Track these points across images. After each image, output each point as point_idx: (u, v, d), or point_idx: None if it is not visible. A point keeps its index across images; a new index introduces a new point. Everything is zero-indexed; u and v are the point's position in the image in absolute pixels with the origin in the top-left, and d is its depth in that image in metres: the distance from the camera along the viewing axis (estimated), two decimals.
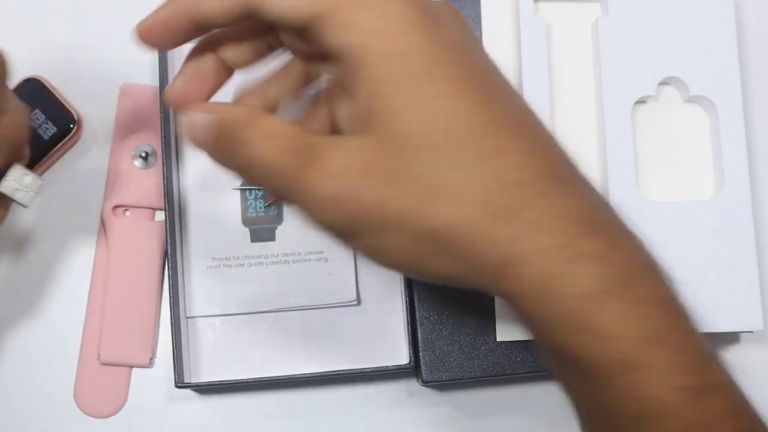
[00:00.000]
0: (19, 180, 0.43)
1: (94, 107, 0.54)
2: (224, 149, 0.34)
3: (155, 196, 0.52)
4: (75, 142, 0.54)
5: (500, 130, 0.32)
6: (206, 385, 0.50)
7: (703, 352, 0.33)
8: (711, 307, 0.50)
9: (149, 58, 0.54)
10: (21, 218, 0.53)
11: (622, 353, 0.31)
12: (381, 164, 0.32)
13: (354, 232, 0.33)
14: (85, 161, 0.54)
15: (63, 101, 0.53)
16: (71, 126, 0.53)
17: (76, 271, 0.53)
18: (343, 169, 0.32)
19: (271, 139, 0.33)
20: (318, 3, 0.33)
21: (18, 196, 0.43)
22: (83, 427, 0.52)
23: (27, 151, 0.45)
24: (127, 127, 0.54)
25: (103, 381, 0.52)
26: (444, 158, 0.31)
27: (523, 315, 0.33)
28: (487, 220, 0.31)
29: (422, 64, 0.32)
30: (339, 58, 0.33)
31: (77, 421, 0.52)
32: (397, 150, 0.32)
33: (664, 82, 0.52)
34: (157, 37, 0.36)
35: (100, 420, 0.52)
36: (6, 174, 0.42)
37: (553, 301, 0.31)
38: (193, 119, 0.34)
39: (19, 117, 0.42)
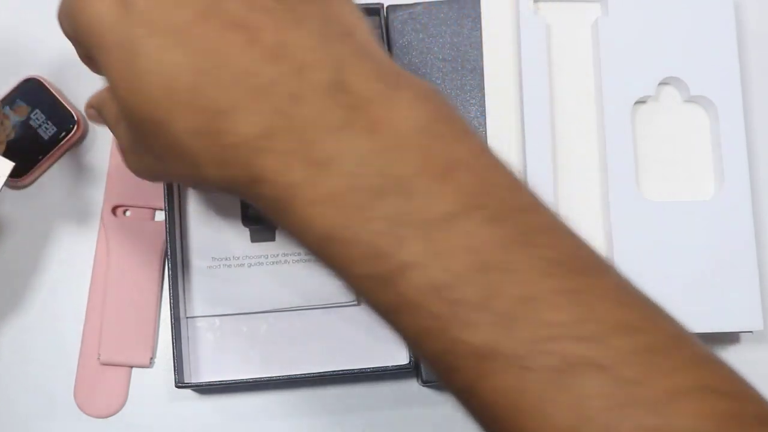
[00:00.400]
0: None
1: None
2: None
3: (155, 196, 0.52)
4: (75, 142, 0.54)
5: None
6: (206, 385, 0.50)
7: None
8: (711, 307, 0.50)
9: None
10: (21, 218, 0.53)
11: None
12: (132, 139, 0.35)
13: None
14: (85, 161, 0.54)
15: (63, 101, 0.53)
16: (71, 126, 0.53)
17: (76, 271, 0.53)
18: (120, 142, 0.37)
19: None
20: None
21: None
22: (83, 427, 0.52)
23: (3, 141, 0.45)
24: None
25: (103, 381, 0.52)
26: None
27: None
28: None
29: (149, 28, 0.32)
30: None
31: (77, 421, 0.52)
32: (136, 123, 0.33)
33: (664, 82, 0.52)
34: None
35: (100, 420, 0.52)
36: None
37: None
38: None
39: None
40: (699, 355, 0.29)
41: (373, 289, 0.30)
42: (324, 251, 0.30)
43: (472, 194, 0.29)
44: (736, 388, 0.29)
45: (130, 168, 0.38)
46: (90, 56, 0.34)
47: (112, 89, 0.33)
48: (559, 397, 0.27)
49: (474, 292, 0.28)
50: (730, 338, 0.53)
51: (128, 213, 0.53)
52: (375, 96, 0.30)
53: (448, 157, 0.29)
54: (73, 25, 0.34)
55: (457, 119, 0.31)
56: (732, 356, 0.52)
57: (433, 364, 0.30)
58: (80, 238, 0.53)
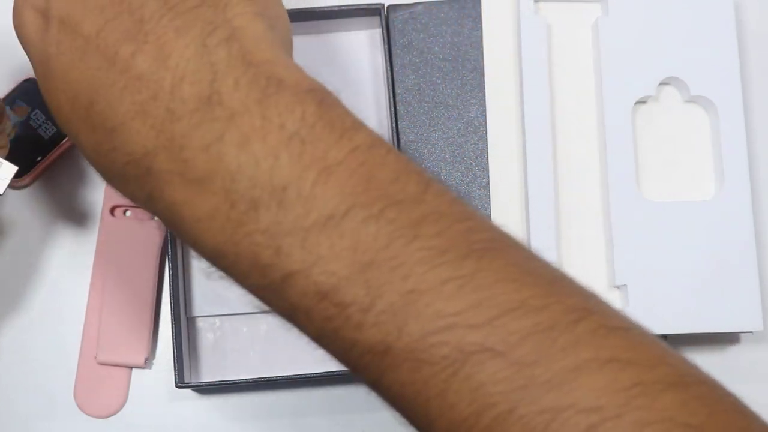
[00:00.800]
0: None
1: None
2: None
3: None
4: None
5: None
6: (206, 385, 0.50)
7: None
8: (711, 307, 0.50)
9: None
10: (21, 218, 0.53)
11: None
12: None
13: None
14: (85, 161, 0.54)
15: None
16: None
17: (76, 270, 0.53)
18: None
19: None
20: None
21: None
22: (83, 427, 0.52)
23: (6, 142, 0.45)
24: None
25: (103, 381, 0.52)
26: None
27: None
28: None
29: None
30: None
31: (77, 421, 0.52)
32: None
33: (664, 83, 0.52)
34: None
35: (100, 420, 0.52)
36: None
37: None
38: None
39: None
40: (604, 326, 0.28)
41: (267, 298, 0.30)
42: (217, 265, 0.31)
43: (352, 194, 0.29)
44: (644, 355, 0.28)
45: None
46: None
47: None
48: (459, 386, 0.27)
49: (360, 293, 0.28)
50: (730, 338, 0.53)
51: (128, 213, 0.53)
52: (247, 106, 0.29)
53: (324, 159, 0.29)
54: (18, 37, 0.36)
55: (338, 117, 0.30)
56: (732, 356, 0.53)
57: (340, 362, 0.30)
58: (80, 239, 0.53)
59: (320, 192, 0.28)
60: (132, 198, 0.32)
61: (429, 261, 0.28)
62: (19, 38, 0.35)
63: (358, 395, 0.53)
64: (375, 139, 0.30)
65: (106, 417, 0.52)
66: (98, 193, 0.53)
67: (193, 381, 0.50)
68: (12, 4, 0.36)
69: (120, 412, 0.52)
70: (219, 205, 0.29)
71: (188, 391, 0.52)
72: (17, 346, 0.52)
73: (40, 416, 0.52)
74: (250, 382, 0.49)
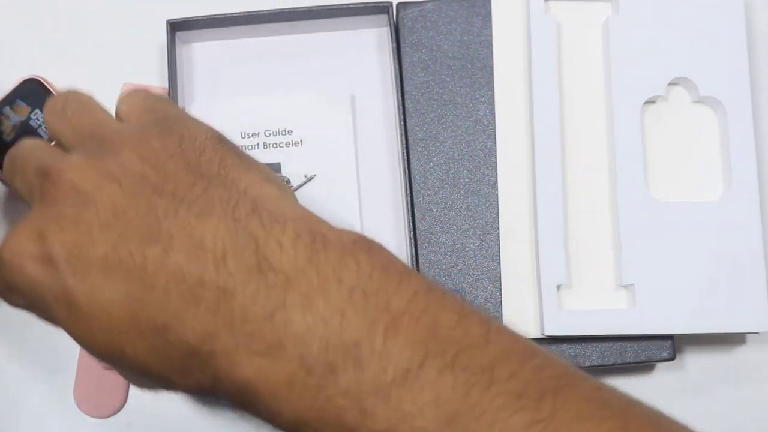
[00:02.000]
0: None
1: None
2: None
3: None
4: None
5: None
6: None
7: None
8: (718, 307, 0.50)
9: (150, 58, 0.54)
10: (18, 218, 0.53)
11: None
12: None
13: None
14: None
15: None
16: None
17: None
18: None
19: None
20: None
21: None
22: (83, 427, 0.51)
23: None
24: None
25: (102, 381, 0.51)
26: None
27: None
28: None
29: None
30: None
31: (77, 421, 0.51)
32: None
33: (673, 83, 0.52)
34: None
35: (100, 420, 0.51)
36: None
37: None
38: None
39: None
40: None
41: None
42: None
43: (422, 343, 0.28)
44: None
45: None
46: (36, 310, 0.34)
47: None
48: None
49: None
50: (736, 339, 0.53)
51: None
52: (300, 266, 0.29)
53: (389, 310, 0.29)
54: (16, 292, 0.34)
55: (391, 263, 0.30)
56: (738, 357, 0.53)
57: None
58: None
59: (392, 345, 0.28)
60: (198, 388, 0.31)
61: (509, 406, 0.28)
62: (24, 291, 0.33)
63: None
64: (428, 281, 0.30)
65: (106, 417, 0.52)
66: None
67: None
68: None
69: (120, 412, 0.51)
70: (295, 373, 0.29)
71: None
72: (17, 345, 0.52)
73: (40, 416, 0.51)
74: None
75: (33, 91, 0.53)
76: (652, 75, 0.52)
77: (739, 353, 0.53)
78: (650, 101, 0.52)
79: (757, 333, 0.51)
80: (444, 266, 0.50)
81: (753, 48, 0.54)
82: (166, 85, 0.52)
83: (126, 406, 0.52)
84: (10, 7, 0.56)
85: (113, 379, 0.52)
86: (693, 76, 0.52)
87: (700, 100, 0.52)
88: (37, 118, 0.52)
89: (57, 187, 0.32)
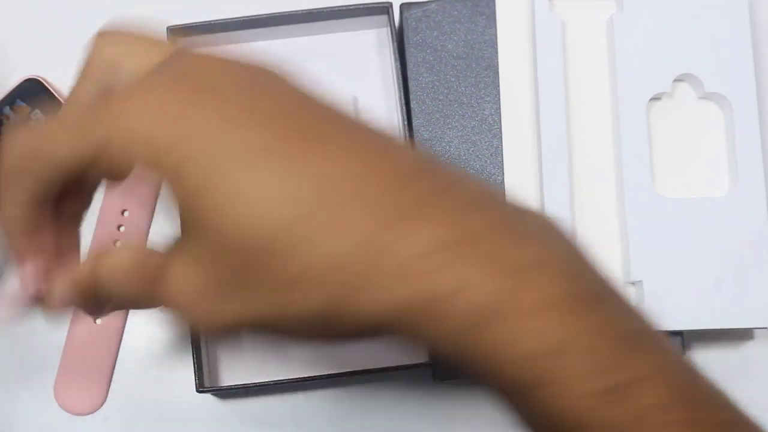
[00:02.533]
0: None
1: None
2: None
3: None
4: None
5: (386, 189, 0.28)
6: (227, 389, 0.49)
7: (616, 347, 0.28)
8: (724, 303, 0.50)
9: None
10: None
11: (522, 372, 0.28)
12: (222, 277, 0.29)
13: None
14: None
15: (63, 101, 0.53)
16: None
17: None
18: (183, 293, 0.29)
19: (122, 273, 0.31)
20: (90, 138, 0.29)
21: None
22: (61, 422, 0.52)
23: None
24: None
25: (83, 378, 0.52)
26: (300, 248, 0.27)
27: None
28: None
29: (233, 150, 0.28)
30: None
31: (57, 416, 0.52)
32: (238, 255, 0.28)
33: (678, 79, 0.52)
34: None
35: (122, 426, 0.52)
36: None
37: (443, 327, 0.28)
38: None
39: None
40: None
41: (601, 406, 0.27)
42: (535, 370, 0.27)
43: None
44: None
45: (200, 320, 0.31)
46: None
47: (204, 226, 0.28)
48: None
49: None
50: (744, 335, 0.54)
51: (126, 213, 0.53)
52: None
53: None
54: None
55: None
56: (746, 353, 0.53)
57: None
58: None
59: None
60: (388, 309, 0.28)
61: None
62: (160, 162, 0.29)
63: (376, 394, 0.53)
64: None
65: (87, 414, 0.52)
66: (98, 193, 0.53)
67: (214, 385, 0.50)
68: None
69: (142, 418, 0.52)
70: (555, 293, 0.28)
71: (209, 396, 0.52)
72: (11, 345, 0.52)
73: (19, 413, 0.52)
74: (270, 384, 0.49)
75: (33, 91, 0.53)
76: (657, 72, 0.52)
77: (747, 348, 0.54)
78: (656, 98, 0.52)
79: (765, 328, 0.52)
80: None
81: (757, 44, 0.54)
82: None
83: (147, 412, 0.52)
84: (10, 8, 0.55)
85: (94, 376, 0.52)
86: (698, 73, 0.52)
87: (706, 97, 0.52)
88: (37, 119, 0.52)
89: None
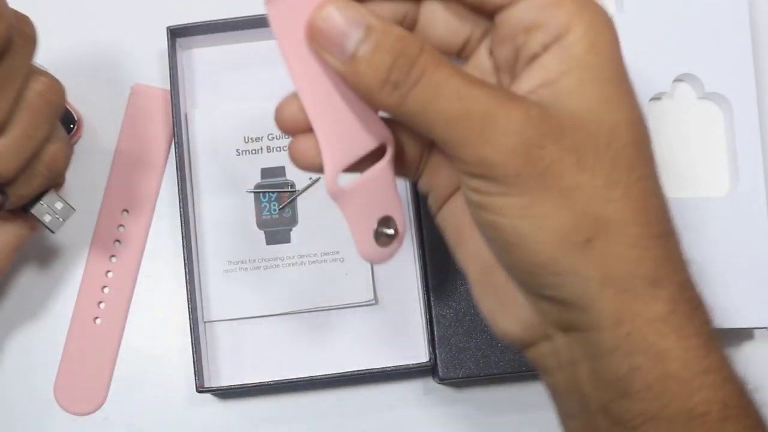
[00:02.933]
0: (51, 205, 0.44)
1: (94, 108, 0.54)
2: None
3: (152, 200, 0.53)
4: (75, 143, 0.53)
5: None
6: (227, 389, 0.49)
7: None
8: (725, 303, 0.50)
9: (151, 64, 0.54)
10: None
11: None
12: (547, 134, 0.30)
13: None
14: (83, 161, 0.53)
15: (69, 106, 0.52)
16: (71, 126, 0.52)
17: (70, 269, 0.53)
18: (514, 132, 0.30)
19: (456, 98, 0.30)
20: None
21: (47, 220, 0.44)
22: (61, 422, 0.52)
23: (64, 179, 0.45)
24: (135, 128, 0.54)
25: (83, 378, 0.52)
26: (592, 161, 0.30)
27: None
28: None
29: (616, 71, 0.32)
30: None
31: (57, 417, 0.52)
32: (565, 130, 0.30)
33: (678, 79, 0.52)
34: None
35: (122, 426, 0.52)
36: (41, 198, 0.43)
37: None
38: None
39: (63, 147, 0.42)
40: None
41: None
42: None
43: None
44: None
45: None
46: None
47: None
48: None
49: None
50: (743, 334, 0.54)
51: (126, 213, 0.53)
52: None
53: None
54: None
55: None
56: (746, 352, 0.53)
57: None
58: (77, 238, 0.53)
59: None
60: None
61: None
62: None
63: (377, 395, 0.53)
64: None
65: (87, 414, 0.52)
66: (98, 193, 0.53)
67: (214, 385, 0.50)
68: None
69: (141, 419, 0.52)
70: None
71: (209, 396, 0.52)
72: (12, 345, 0.52)
73: (19, 413, 0.52)
74: (270, 384, 0.49)
75: None
76: (657, 71, 0.52)
77: (747, 348, 0.54)
78: (656, 98, 0.52)
79: (765, 328, 0.52)
80: (452, 258, 0.50)
81: (757, 44, 0.54)
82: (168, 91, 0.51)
83: (148, 412, 0.52)
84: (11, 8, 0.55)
85: (94, 375, 0.52)
86: (698, 73, 0.52)
87: (706, 96, 0.52)
88: None
89: None
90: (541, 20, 0.31)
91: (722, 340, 0.34)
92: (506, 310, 0.34)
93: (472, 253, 0.35)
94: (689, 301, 0.32)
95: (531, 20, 0.31)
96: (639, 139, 0.32)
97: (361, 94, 0.31)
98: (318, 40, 0.31)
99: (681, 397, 0.31)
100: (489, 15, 0.33)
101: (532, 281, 0.32)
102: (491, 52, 0.34)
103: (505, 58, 0.32)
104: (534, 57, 0.31)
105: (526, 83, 0.31)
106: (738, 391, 0.33)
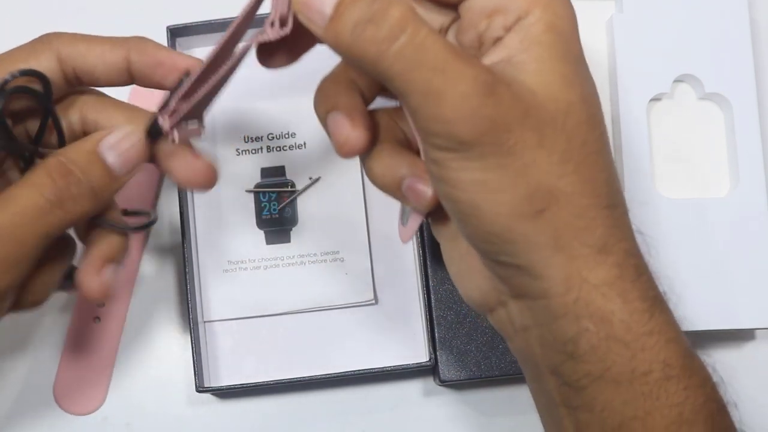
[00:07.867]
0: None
1: None
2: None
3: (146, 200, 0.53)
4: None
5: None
6: (226, 389, 0.49)
7: None
8: (726, 303, 0.50)
9: None
10: None
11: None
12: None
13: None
14: None
15: None
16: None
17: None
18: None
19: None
20: None
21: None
22: (61, 422, 0.52)
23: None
24: None
25: (83, 378, 0.52)
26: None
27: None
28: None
29: (572, 50, 0.33)
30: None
31: (57, 417, 0.51)
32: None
33: (678, 80, 0.52)
34: None
35: (122, 426, 0.52)
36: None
37: None
38: None
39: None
40: None
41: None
42: None
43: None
44: None
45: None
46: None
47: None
48: None
49: None
50: (745, 335, 0.54)
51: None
52: None
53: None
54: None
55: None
56: (747, 353, 0.53)
57: None
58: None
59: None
60: None
61: None
62: None
63: (377, 395, 0.53)
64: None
65: (87, 414, 0.52)
66: None
67: (213, 385, 0.50)
68: None
69: (142, 418, 0.52)
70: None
71: (208, 396, 0.52)
72: (9, 344, 0.52)
73: (18, 412, 0.52)
74: (270, 384, 0.49)
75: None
76: (657, 72, 0.52)
77: (749, 349, 0.54)
78: (656, 98, 0.52)
79: (765, 328, 0.52)
80: None
81: (757, 44, 0.54)
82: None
83: (148, 412, 0.52)
84: (10, 9, 0.55)
85: (94, 376, 0.52)
86: (698, 73, 0.52)
87: (706, 97, 0.52)
88: None
89: None
90: (501, 5, 0.33)
91: (669, 307, 0.36)
92: (469, 275, 0.37)
93: (441, 219, 0.37)
94: (635, 267, 0.34)
95: (492, 6, 0.33)
96: (591, 115, 0.33)
97: (340, 51, 0.32)
98: (305, 13, 0.32)
99: (624, 357, 0.33)
100: (453, 5, 0.34)
101: (488, 248, 0.33)
102: (458, 41, 0.35)
103: (471, 45, 0.34)
104: (497, 40, 0.33)
105: (488, 60, 0.33)
106: (682, 352, 0.34)
